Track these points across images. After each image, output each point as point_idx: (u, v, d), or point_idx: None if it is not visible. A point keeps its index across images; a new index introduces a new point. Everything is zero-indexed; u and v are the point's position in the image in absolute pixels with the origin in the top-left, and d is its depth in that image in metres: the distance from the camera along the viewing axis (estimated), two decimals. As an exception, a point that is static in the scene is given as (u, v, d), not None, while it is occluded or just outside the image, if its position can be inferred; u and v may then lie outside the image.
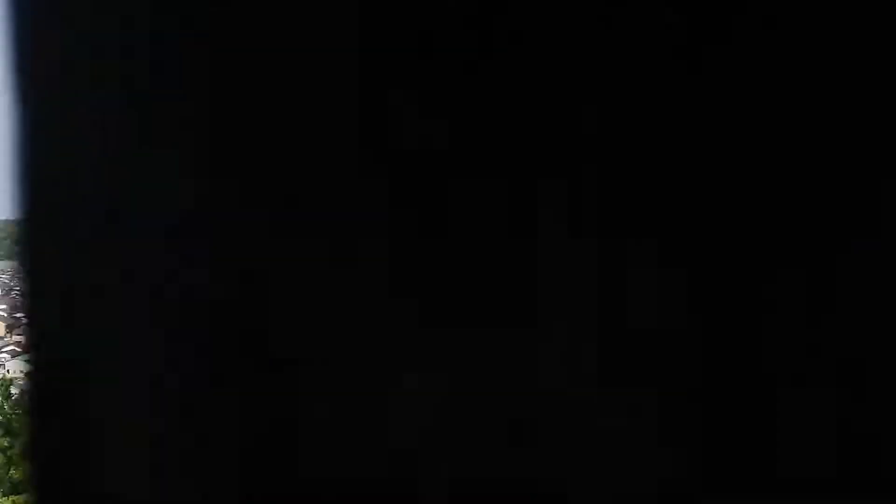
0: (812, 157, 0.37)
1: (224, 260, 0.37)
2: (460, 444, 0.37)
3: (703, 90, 0.36)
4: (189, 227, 0.38)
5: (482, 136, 0.36)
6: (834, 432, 0.36)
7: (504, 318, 0.37)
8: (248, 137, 0.37)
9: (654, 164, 0.37)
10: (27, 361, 0.42)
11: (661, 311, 0.37)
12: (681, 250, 0.37)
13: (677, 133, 0.37)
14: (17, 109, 0.39)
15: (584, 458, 0.36)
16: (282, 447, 0.37)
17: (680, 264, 0.37)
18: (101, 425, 0.39)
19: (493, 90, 0.36)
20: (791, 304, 0.36)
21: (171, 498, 0.38)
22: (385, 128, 0.37)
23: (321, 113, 0.37)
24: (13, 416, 24.25)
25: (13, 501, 20.13)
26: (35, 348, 0.42)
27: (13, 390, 25.75)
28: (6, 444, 22.92)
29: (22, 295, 0.46)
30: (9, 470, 22.97)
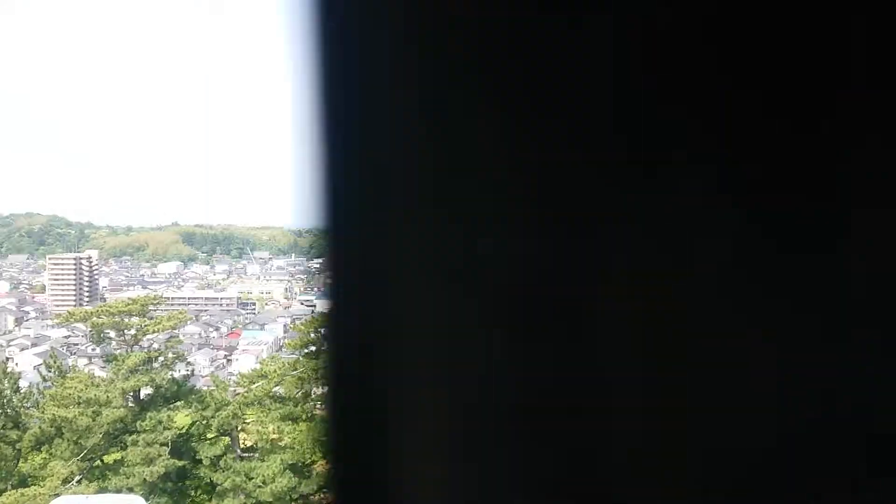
0: None
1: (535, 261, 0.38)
2: None
3: None
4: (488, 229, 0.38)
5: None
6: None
7: None
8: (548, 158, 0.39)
9: None
10: (323, 365, 0.44)
11: None
12: None
13: None
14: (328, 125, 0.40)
15: None
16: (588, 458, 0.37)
17: None
18: (405, 426, 0.40)
19: None
20: None
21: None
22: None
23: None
24: (22, 409, 24.40)
25: (22, 494, 20.22)
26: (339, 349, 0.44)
27: (22, 384, 25.91)
28: (14, 437, 23.03)
29: (327, 296, 0.47)
30: (17, 463, 23.10)
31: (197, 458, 23.47)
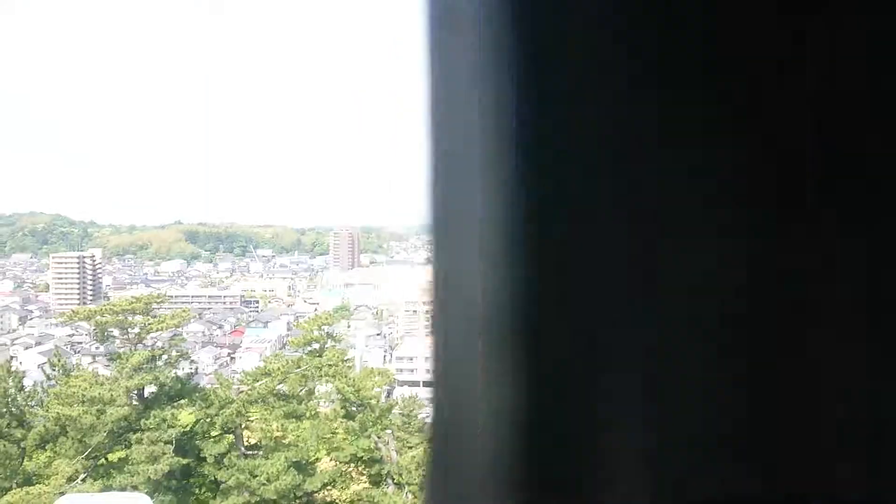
0: None
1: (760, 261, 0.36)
2: None
3: None
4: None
5: None
6: None
7: None
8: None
9: None
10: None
11: None
12: None
13: None
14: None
15: None
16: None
17: None
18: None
19: None
20: None
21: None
22: None
23: None
24: (26, 407, 24.44)
25: (27, 493, 20.26)
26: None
27: (26, 382, 25.95)
28: (19, 435, 23.07)
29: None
30: (22, 462, 23.15)
31: (201, 455, 23.50)
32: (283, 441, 24.24)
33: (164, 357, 25.05)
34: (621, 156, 0.37)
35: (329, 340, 26.62)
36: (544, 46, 0.36)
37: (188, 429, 24.19)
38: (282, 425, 24.24)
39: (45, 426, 22.78)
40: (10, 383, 23.88)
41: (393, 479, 24.21)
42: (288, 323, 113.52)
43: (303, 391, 24.97)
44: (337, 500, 25.52)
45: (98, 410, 22.02)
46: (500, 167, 0.36)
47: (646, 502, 0.37)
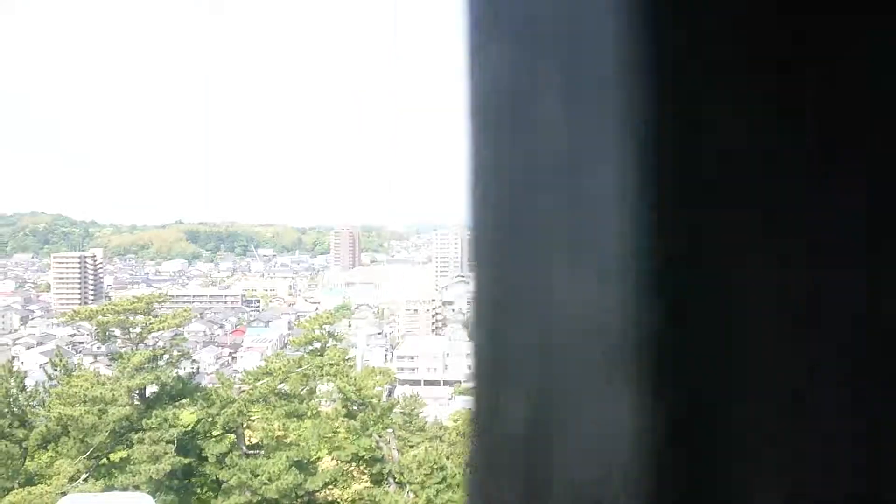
0: None
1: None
2: None
3: None
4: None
5: None
6: None
7: None
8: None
9: None
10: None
11: None
12: None
13: None
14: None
15: None
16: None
17: None
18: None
19: None
20: None
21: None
22: None
23: None
24: (28, 407, 24.48)
25: (29, 492, 20.29)
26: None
27: (28, 382, 25.98)
28: (21, 435, 23.10)
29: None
30: (24, 462, 23.18)
31: (203, 455, 23.53)
32: (285, 440, 24.28)
33: (166, 357, 25.09)
34: (772, 168, 0.34)
35: (330, 339, 26.65)
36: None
37: (190, 428, 24.23)
38: (283, 424, 24.28)
39: (46, 426, 22.81)
40: (12, 383, 23.92)
41: (394, 478, 24.24)
42: (289, 322, 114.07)
43: (304, 390, 25.01)
44: (338, 500, 25.55)
45: (100, 410, 22.06)
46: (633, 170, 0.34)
47: None
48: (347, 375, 25.28)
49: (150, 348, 24.85)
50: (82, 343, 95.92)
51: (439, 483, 22.94)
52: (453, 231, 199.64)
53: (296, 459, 22.94)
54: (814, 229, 0.34)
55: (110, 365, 26.32)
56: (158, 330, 25.27)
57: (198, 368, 29.66)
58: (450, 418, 47.68)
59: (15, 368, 25.90)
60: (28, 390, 24.99)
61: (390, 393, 51.69)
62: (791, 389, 0.34)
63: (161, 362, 24.68)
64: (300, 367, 25.09)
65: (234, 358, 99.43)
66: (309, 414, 24.61)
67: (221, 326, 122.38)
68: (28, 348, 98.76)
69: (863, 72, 0.33)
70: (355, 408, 25.20)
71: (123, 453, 23.19)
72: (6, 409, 23.32)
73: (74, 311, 28.52)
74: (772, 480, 0.34)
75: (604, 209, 0.34)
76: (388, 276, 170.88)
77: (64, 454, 22.44)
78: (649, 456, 0.34)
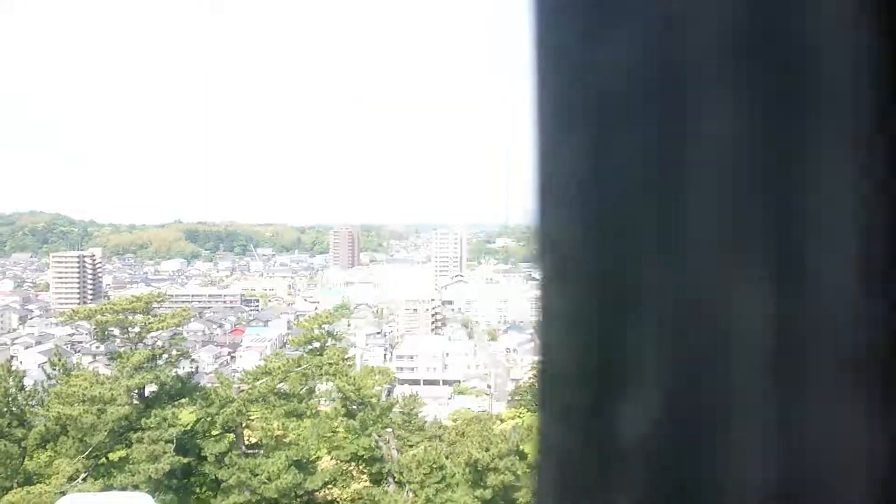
0: None
1: None
2: None
3: None
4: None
5: None
6: None
7: None
8: None
9: None
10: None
11: None
12: None
13: None
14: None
15: None
16: None
17: None
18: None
19: None
20: None
21: None
22: None
23: None
24: (27, 407, 24.46)
25: (28, 492, 20.28)
26: None
27: (27, 382, 25.96)
28: (20, 435, 23.08)
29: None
30: (23, 461, 23.16)
31: (202, 454, 23.52)
32: (284, 440, 24.26)
33: (165, 356, 25.07)
34: None
35: (329, 339, 26.64)
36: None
37: (189, 428, 24.22)
38: (282, 424, 24.27)
39: (45, 425, 22.80)
40: (11, 383, 23.90)
41: (393, 478, 24.23)
42: (288, 321, 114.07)
43: (303, 390, 25.00)
44: (338, 499, 25.54)
45: (99, 410, 22.04)
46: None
47: None
48: (347, 375, 25.27)
49: (149, 348, 24.83)
50: (81, 342, 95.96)
51: (438, 482, 22.94)
52: (453, 230, 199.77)
53: (295, 459, 22.93)
54: None
55: (109, 364, 26.30)
56: (157, 329, 25.25)
57: (197, 368, 29.63)
58: (449, 418, 47.68)
59: (14, 368, 25.88)
60: (27, 390, 24.98)
61: (389, 392, 51.70)
62: None
63: (160, 362, 24.67)
64: (299, 366, 25.08)
65: (233, 357, 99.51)
66: (308, 413, 24.60)
67: (220, 326, 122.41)
68: (27, 348, 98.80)
69: None
70: (354, 407, 25.19)
71: (122, 453, 23.18)
72: (5, 409, 23.30)
73: (73, 311, 28.48)
74: None
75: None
76: (388, 275, 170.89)
77: (63, 454, 22.42)
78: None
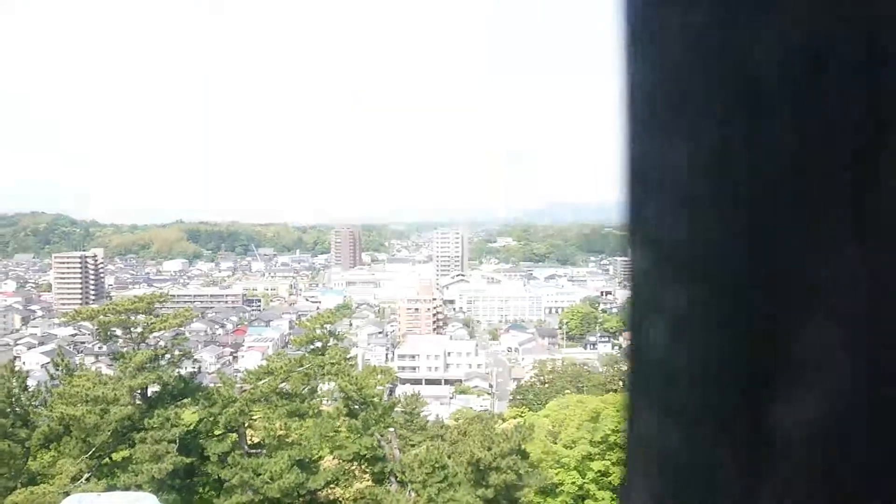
0: None
1: None
2: None
3: None
4: None
5: None
6: None
7: None
8: None
9: None
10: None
11: None
12: None
13: None
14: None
15: None
16: None
17: None
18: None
19: None
20: None
21: None
22: None
23: None
24: (30, 407, 24.51)
25: (31, 492, 20.32)
26: None
27: (30, 382, 26.01)
28: (23, 435, 23.13)
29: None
30: (27, 461, 23.21)
31: (205, 454, 23.55)
32: (287, 439, 24.29)
33: (167, 356, 25.10)
34: None
35: (331, 339, 26.66)
36: None
37: (191, 428, 24.25)
38: (285, 424, 24.30)
39: (49, 426, 22.85)
40: (14, 383, 23.95)
41: (396, 477, 24.26)
42: (290, 321, 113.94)
43: (305, 389, 25.02)
44: (340, 499, 25.58)
45: (102, 410, 22.08)
46: None
47: None
48: (349, 374, 25.29)
49: (152, 348, 24.87)
50: (84, 343, 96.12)
51: (441, 482, 22.97)
52: (454, 230, 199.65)
53: (297, 458, 22.96)
54: None
55: (112, 365, 26.34)
56: (160, 330, 25.28)
57: (199, 368, 29.69)
58: (451, 417, 47.70)
59: (17, 368, 25.91)
60: (30, 390, 25.03)
61: (391, 392, 51.74)
62: None
63: (162, 362, 24.70)
64: (301, 366, 25.11)
65: (235, 357, 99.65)
66: (310, 413, 24.62)
67: (222, 326, 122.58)
68: (30, 348, 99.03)
69: None
70: (357, 407, 25.22)
71: (125, 453, 23.22)
72: (8, 409, 23.36)
73: (76, 311, 28.51)
74: None
75: None
76: (389, 274, 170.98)
77: (66, 454, 22.47)
78: None
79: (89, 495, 17.86)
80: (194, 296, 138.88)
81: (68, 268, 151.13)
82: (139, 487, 20.59)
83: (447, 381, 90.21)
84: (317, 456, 25.23)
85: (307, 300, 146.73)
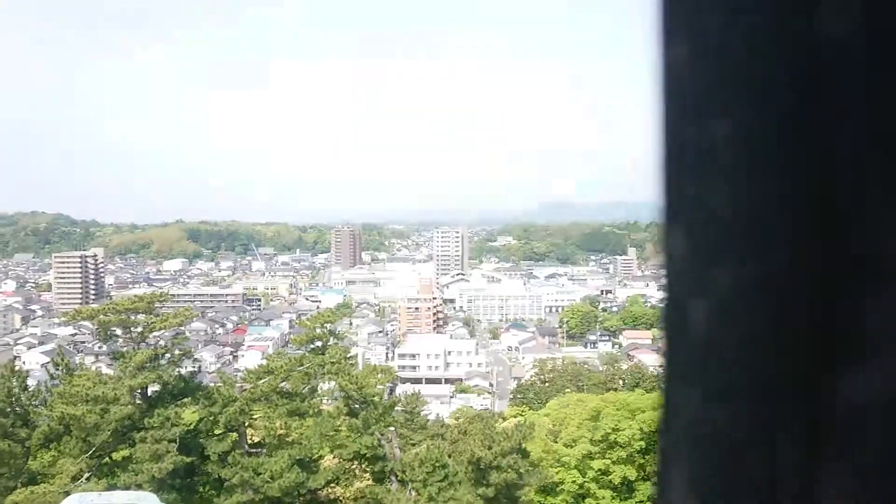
0: None
1: None
2: None
3: None
4: None
5: None
6: None
7: None
8: None
9: None
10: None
11: None
12: None
13: None
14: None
15: None
16: None
17: None
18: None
19: None
20: None
21: None
22: None
23: None
24: (30, 407, 24.50)
25: (32, 492, 20.32)
26: None
27: (30, 382, 26.01)
28: (23, 435, 23.13)
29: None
30: (27, 461, 23.21)
31: (205, 454, 23.55)
32: (287, 439, 24.29)
33: (167, 356, 25.09)
34: None
35: (331, 338, 26.65)
36: None
37: (192, 427, 24.25)
38: (285, 423, 24.29)
39: (49, 425, 22.85)
40: (15, 383, 23.94)
41: (396, 476, 24.26)
42: (290, 321, 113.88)
43: (306, 389, 25.02)
44: (340, 498, 25.58)
45: (102, 409, 22.08)
46: None
47: None
48: (349, 374, 25.29)
49: (152, 347, 24.87)
50: (84, 342, 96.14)
51: (441, 481, 22.96)
52: (454, 229, 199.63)
53: (298, 458, 22.96)
54: None
55: (112, 364, 26.33)
56: (160, 329, 25.28)
57: (199, 367, 29.69)
58: (451, 416, 47.69)
59: (17, 368, 25.90)
60: (30, 390, 25.02)
61: (391, 391, 51.74)
62: None
63: (163, 361, 24.69)
64: (301, 365, 25.10)
65: (235, 357, 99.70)
66: (311, 412, 24.62)
67: (223, 325, 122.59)
68: (30, 348, 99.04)
69: None
70: (357, 406, 25.21)
71: (126, 452, 23.22)
72: (9, 409, 23.35)
73: (76, 311, 28.51)
74: None
75: None
76: (389, 274, 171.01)
77: (66, 453, 22.47)
78: None
79: (90, 495, 17.87)
80: (194, 295, 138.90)
81: (68, 267, 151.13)
82: (139, 487, 20.60)
83: (447, 381, 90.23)
84: (317, 455, 25.23)
85: (307, 299, 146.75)
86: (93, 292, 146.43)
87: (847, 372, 0.35)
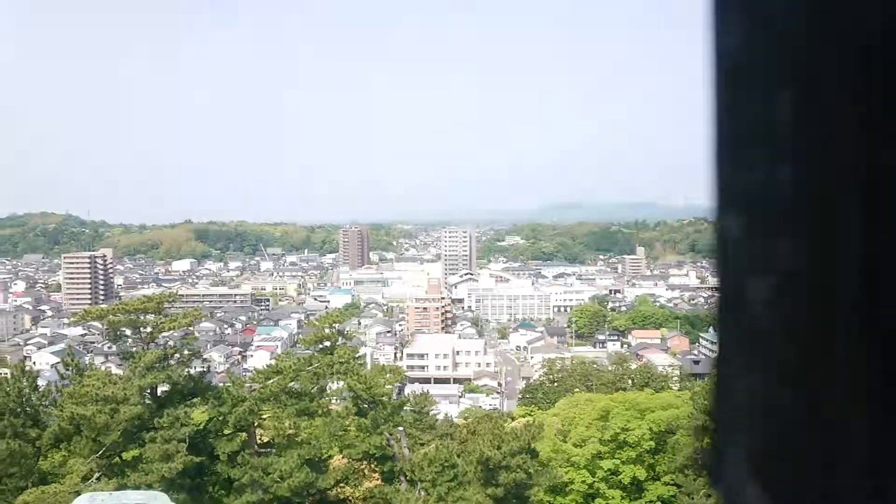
0: None
1: None
2: None
3: None
4: None
5: None
6: None
7: None
8: None
9: None
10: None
11: None
12: None
13: None
14: None
15: None
16: None
17: None
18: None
19: None
20: None
21: None
22: None
23: None
24: (41, 407, 24.59)
25: (42, 491, 20.38)
26: None
27: (40, 382, 26.10)
28: (34, 435, 23.21)
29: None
30: (37, 461, 23.29)
31: (214, 453, 23.58)
32: (296, 438, 24.29)
33: (177, 356, 25.13)
34: None
35: (340, 338, 26.65)
36: None
37: (201, 427, 24.28)
38: (294, 423, 24.30)
39: (59, 425, 22.91)
40: (25, 383, 24.03)
41: (405, 476, 24.23)
42: (298, 321, 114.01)
43: (314, 388, 25.02)
44: (350, 497, 25.57)
45: (112, 409, 22.13)
46: None
47: None
48: (357, 373, 25.28)
49: (161, 347, 24.91)
50: (93, 343, 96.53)
51: (450, 480, 22.92)
52: (462, 228, 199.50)
53: (307, 457, 22.95)
54: None
55: (121, 364, 26.40)
56: (169, 329, 25.32)
57: (209, 367, 29.71)
58: (460, 416, 47.64)
59: (27, 368, 26.01)
60: (40, 390, 25.12)
61: (400, 391, 51.72)
62: None
63: (172, 361, 24.73)
64: (310, 365, 25.10)
65: (244, 357, 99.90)
66: (319, 412, 24.62)
67: (231, 325, 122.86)
68: (40, 348, 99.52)
69: None
70: (366, 406, 25.20)
71: (136, 452, 23.27)
72: (19, 409, 23.44)
73: (85, 311, 28.58)
74: None
75: None
76: (398, 273, 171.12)
77: (77, 453, 22.53)
78: None
79: (100, 494, 17.91)
80: (203, 295, 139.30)
81: (78, 268, 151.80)
82: (149, 486, 20.63)
83: (456, 380, 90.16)
84: (326, 455, 25.23)
85: (315, 299, 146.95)
86: (102, 293, 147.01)
87: None
